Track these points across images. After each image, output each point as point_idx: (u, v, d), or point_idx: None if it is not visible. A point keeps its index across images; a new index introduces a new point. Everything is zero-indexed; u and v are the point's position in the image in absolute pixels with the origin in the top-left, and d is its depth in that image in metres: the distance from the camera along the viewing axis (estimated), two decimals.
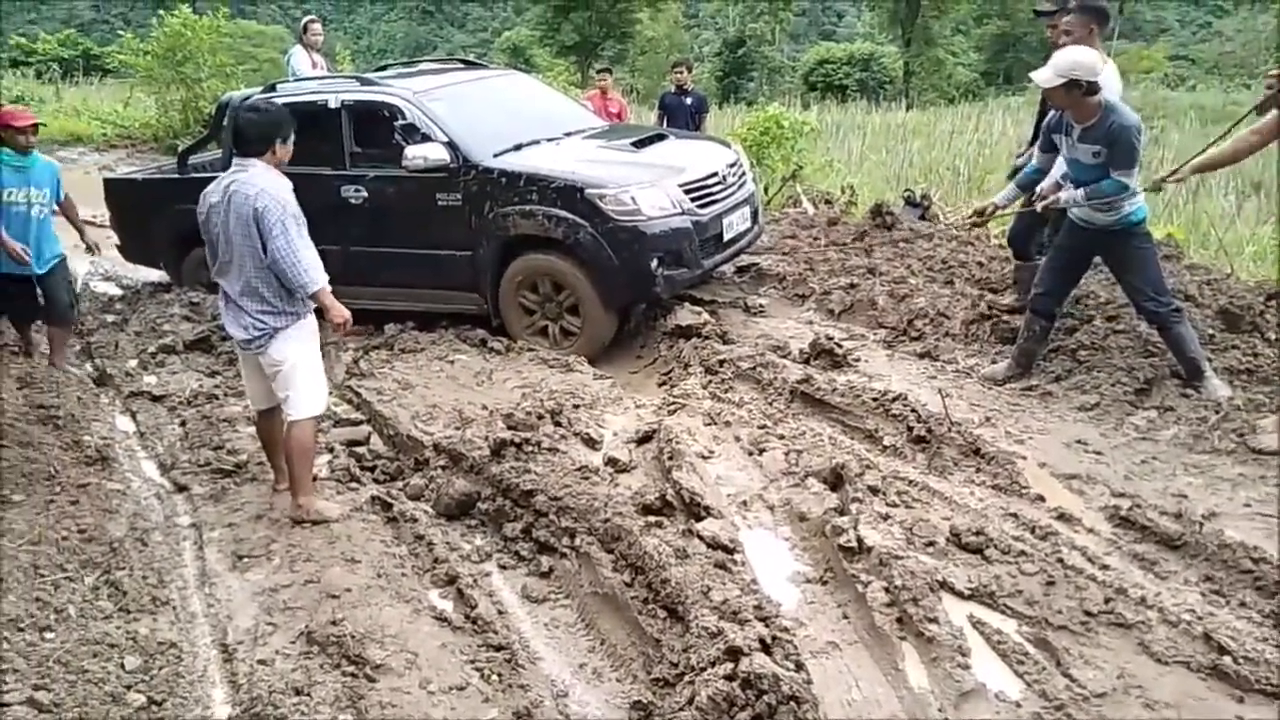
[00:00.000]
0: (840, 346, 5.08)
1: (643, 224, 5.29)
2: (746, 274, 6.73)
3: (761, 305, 6.13)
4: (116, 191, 7.00)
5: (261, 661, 2.95)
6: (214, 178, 6.69)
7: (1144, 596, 2.94)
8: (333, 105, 5.91)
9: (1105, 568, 3.11)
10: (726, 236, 5.79)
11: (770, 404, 4.60)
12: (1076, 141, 4.20)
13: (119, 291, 7.20)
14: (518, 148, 5.84)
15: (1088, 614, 2.86)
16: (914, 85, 30.79)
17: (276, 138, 3.66)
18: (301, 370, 3.73)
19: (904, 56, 32.59)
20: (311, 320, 3.78)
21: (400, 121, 5.74)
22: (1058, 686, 2.60)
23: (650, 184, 5.43)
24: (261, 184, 3.55)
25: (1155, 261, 4.47)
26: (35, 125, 5.20)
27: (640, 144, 6.10)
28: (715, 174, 5.82)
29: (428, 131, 5.66)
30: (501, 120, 6.15)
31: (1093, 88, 4.01)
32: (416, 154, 5.53)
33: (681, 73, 9.01)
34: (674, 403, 4.66)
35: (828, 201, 8.91)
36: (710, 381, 4.91)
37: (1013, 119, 13.74)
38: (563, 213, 5.34)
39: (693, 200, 5.54)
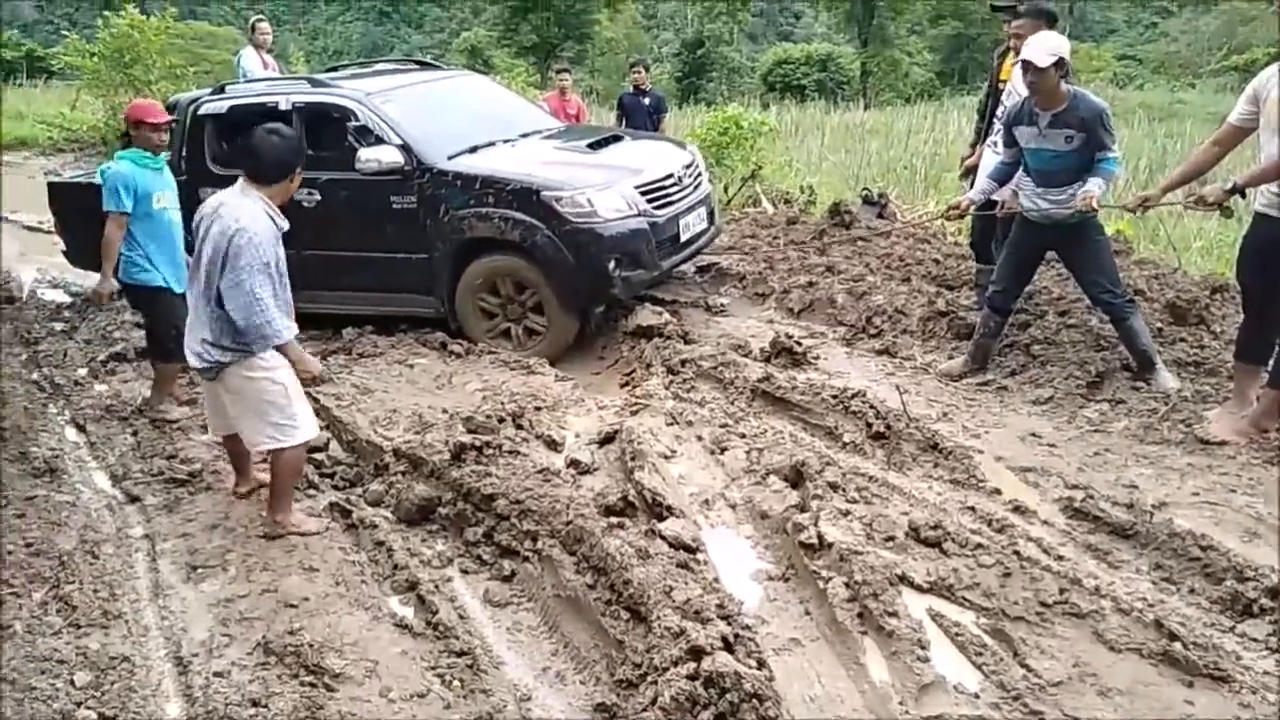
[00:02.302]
0: (800, 345, 5.12)
1: (599, 226, 5.28)
2: (707, 274, 6.75)
3: (722, 305, 6.16)
4: (62, 196, 6.78)
5: (217, 673, 2.89)
6: None
7: (1097, 586, 2.99)
8: (284, 107, 5.81)
9: (1060, 558, 3.17)
10: (684, 237, 5.81)
11: (731, 403, 4.62)
12: (1045, 129, 4.28)
13: (67, 299, 7.01)
14: (473, 150, 5.80)
15: (1043, 604, 2.90)
16: (871, 85, 31.11)
17: (297, 167, 3.49)
18: (277, 400, 3.49)
19: (861, 57, 32.93)
20: (270, 354, 3.49)
21: (353, 123, 5.67)
22: (1015, 677, 2.64)
23: (606, 186, 5.43)
24: (247, 221, 3.32)
25: (1110, 254, 4.58)
26: (170, 122, 4.73)
27: (596, 145, 6.09)
28: (671, 175, 5.83)
29: (381, 134, 5.60)
30: (456, 122, 6.11)
31: (1068, 70, 4.20)
32: (370, 157, 5.47)
33: (639, 73, 9.03)
34: (636, 403, 4.66)
35: (787, 201, 8.97)
36: (672, 381, 4.92)
37: (967, 118, 13.86)
38: (519, 215, 5.31)
39: (649, 201, 5.55)
